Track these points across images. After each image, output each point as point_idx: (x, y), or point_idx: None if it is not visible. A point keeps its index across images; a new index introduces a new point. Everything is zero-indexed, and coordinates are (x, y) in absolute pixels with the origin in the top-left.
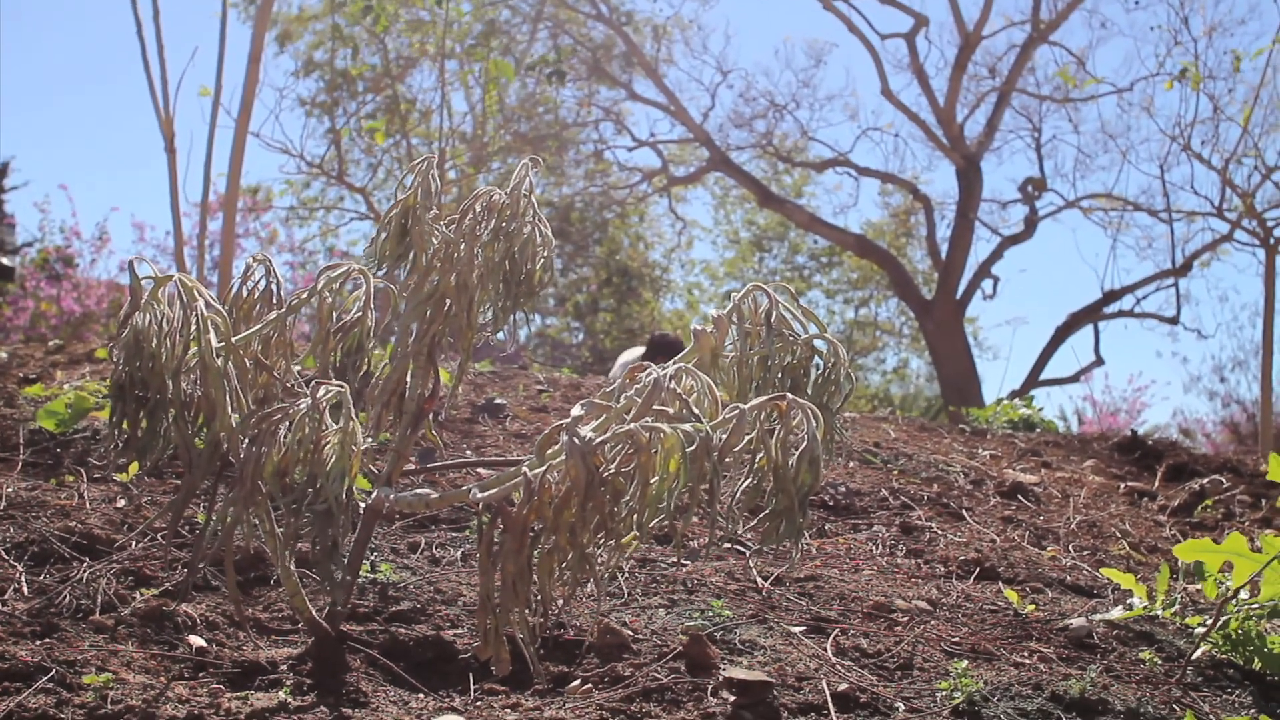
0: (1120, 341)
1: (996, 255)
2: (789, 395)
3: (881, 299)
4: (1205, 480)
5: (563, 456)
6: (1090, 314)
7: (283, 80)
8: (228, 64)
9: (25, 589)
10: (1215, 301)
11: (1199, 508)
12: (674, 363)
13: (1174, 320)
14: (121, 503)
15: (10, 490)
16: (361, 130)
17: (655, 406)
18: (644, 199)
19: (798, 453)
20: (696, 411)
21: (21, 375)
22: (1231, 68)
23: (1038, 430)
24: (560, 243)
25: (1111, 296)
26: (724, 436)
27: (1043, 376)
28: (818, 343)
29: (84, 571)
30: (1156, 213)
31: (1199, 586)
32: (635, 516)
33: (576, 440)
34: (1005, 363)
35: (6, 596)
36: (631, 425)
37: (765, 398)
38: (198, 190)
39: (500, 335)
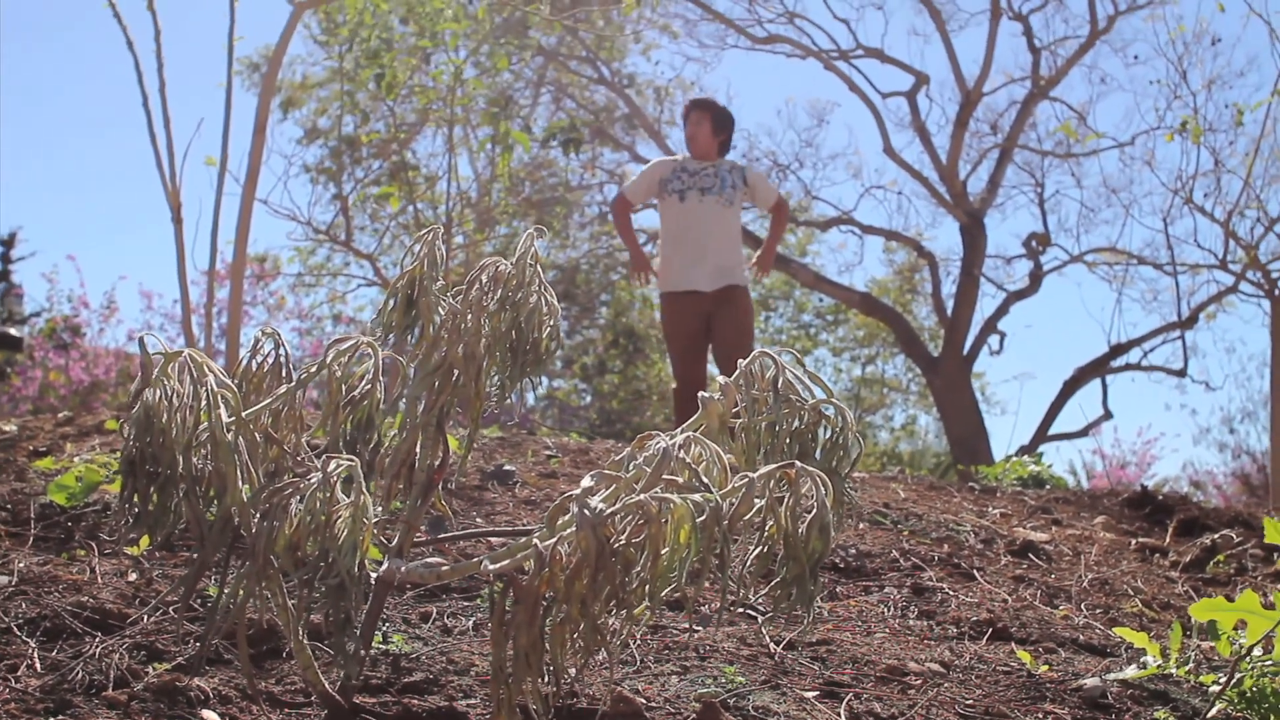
0: (1128, 395)
1: (1002, 311)
2: (797, 463)
3: (888, 356)
4: (1217, 535)
5: (573, 527)
6: (1097, 368)
7: (289, 148)
8: (233, 132)
9: (38, 665)
10: (1222, 353)
11: (1211, 563)
12: (682, 431)
13: (1181, 373)
14: (133, 577)
15: (22, 565)
16: (374, 197)
17: (665, 476)
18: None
19: (807, 520)
20: (706, 480)
21: (32, 448)
22: (1232, 120)
23: (1047, 487)
24: (566, 305)
25: (1118, 350)
26: (734, 505)
27: (1051, 431)
28: (824, 408)
29: (96, 647)
30: (1161, 266)
31: (1213, 644)
32: (647, 586)
33: (587, 511)
34: (1014, 418)
35: (19, 673)
36: (641, 496)
37: (774, 465)
38: (205, 258)
39: (510, 400)
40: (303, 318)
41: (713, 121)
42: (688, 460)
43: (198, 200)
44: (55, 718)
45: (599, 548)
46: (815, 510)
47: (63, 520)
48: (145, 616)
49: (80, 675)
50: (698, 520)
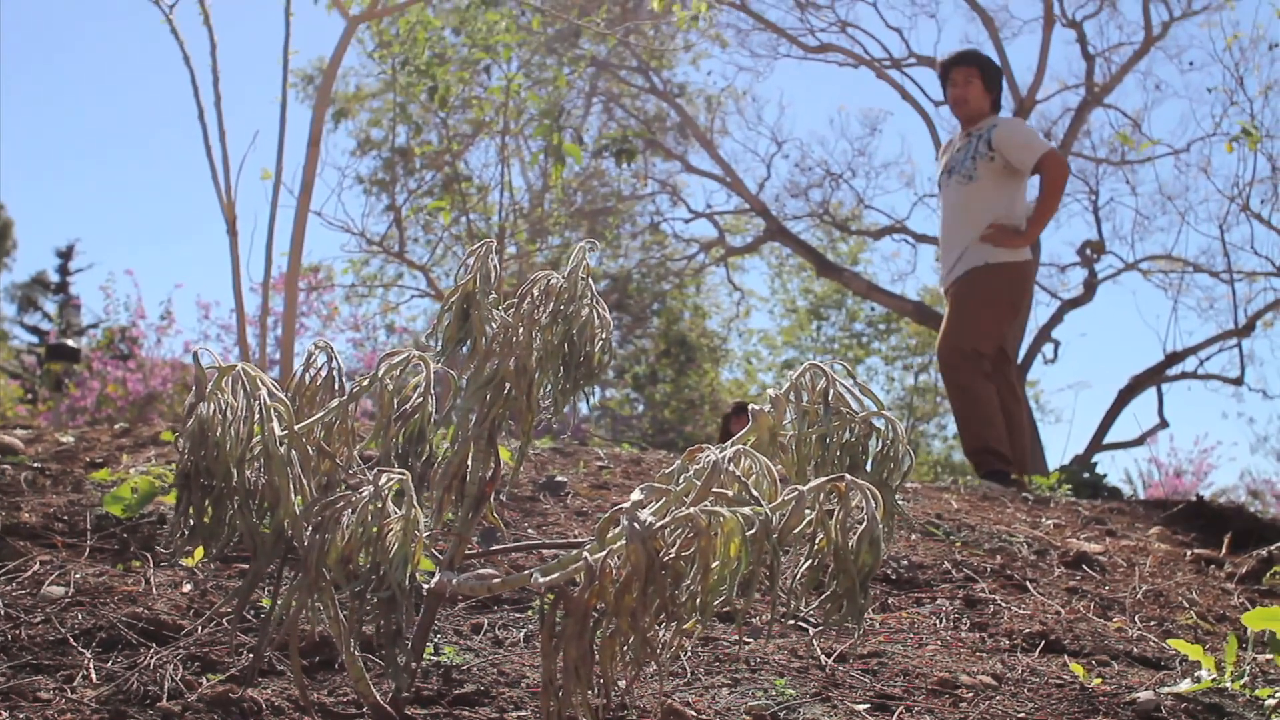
0: (1184, 403)
1: (1056, 319)
2: (847, 475)
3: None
4: (1273, 546)
5: (623, 540)
6: (1153, 376)
7: (343, 159)
8: (288, 145)
9: (94, 675)
10: None
11: (1268, 574)
12: (732, 443)
13: (1238, 381)
14: (188, 588)
15: (78, 576)
16: (426, 209)
17: (715, 489)
18: (701, 270)
19: (858, 534)
20: (756, 493)
21: (89, 459)
22: None
23: (1102, 496)
24: (618, 314)
25: (1174, 358)
26: (783, 518)
27: (1106, 440)
28: (875, 420)
29: (151, 657)
30: (1217, 273)
31: (1269, 656)
32: (697, 599)
33: (637, 525)
34: (1068, 427)
35: (75, 683)
36: (691, 509)
37: (824, 479)
38: (260, 269)
39: (563, 413)
40: (356, 329)
41: (983, 77)
42: (737, 473)
43: (253, 212)
44: None
45: (649, 560)
46: (865, 523)
47: (118, 531)
48: (199, 628)
49: (135, 686)
50: (748, 533)
